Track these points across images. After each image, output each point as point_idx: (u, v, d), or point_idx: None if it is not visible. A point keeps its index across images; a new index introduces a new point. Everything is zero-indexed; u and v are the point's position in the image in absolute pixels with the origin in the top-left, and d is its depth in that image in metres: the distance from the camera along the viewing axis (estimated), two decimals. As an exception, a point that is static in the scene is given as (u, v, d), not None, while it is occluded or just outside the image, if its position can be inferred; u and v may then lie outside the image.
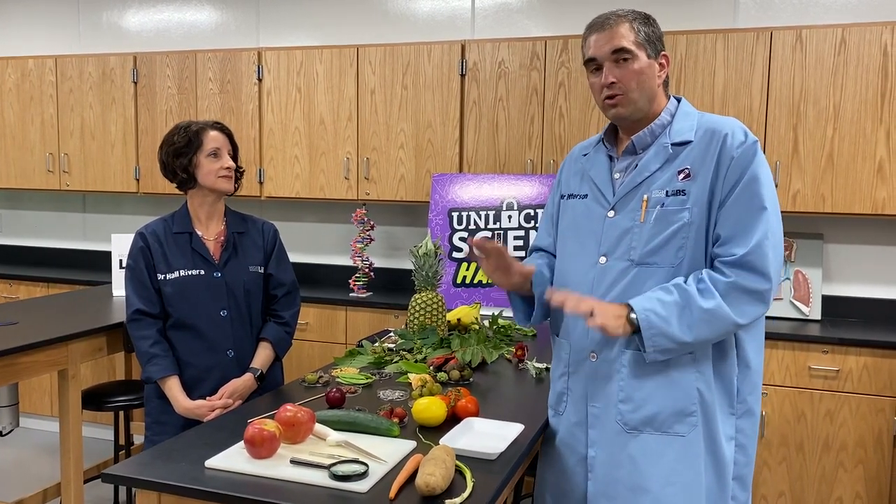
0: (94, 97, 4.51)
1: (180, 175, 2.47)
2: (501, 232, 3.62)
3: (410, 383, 2.24)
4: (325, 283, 4.46)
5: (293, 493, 1.50)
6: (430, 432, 1.85)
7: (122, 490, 3.51)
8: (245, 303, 2.50)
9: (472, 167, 3.88)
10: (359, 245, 4.08)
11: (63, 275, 4.58)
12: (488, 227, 3.63)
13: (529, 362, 2.44)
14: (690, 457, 1.75)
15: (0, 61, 4.70)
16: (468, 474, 1.57)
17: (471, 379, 2.34)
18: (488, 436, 1.81)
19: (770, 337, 3.25)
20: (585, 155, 1.96)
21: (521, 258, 3.55)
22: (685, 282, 1.70)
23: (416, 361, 2.48)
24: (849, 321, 3.59)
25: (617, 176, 1.85)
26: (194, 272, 2.45)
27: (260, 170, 4.21)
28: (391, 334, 2.92)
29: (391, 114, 3.97)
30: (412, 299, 2.79)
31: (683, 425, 1.75)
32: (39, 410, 4.61)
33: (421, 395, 2.07)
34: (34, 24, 5.01)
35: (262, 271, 2.56)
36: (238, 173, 2.59)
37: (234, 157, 2.55)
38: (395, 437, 1.80)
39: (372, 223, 4.10)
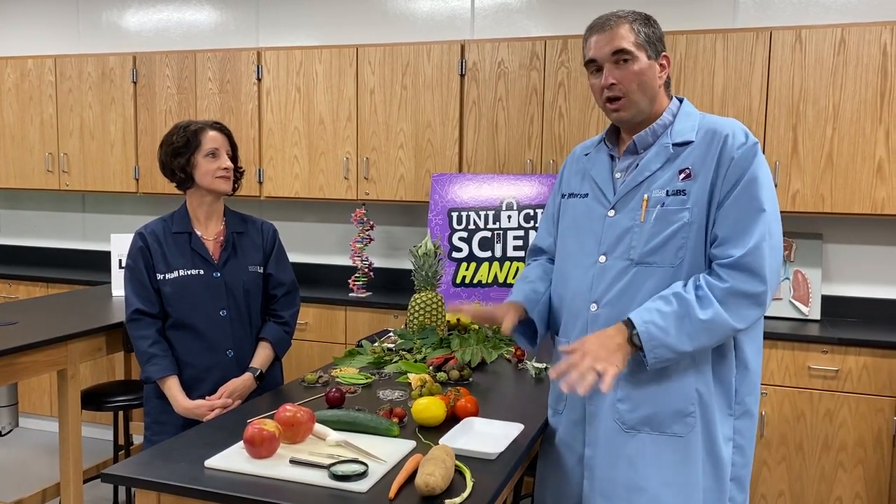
0: (93, 97, 4.51)
1: (178, 175, 2.47)
2: (501, 232, 3.62)
3: (410, 383, 2.24)
4: (325, 283, 4.46)
5: (293, 493, 1.50)
6: (430, 432, 1.85)
7: (122, 490, 3.51)
8: (244, 303, 2.50)
9: (471, 167, 3.88)
10: (358, 245, 4.08)
11: (62, 275, 4.57)
12: (488, 227, 3.63)
13: (529, 362, 2.44)
14: (688, 457, 1.75)
15: (-1, 61, 4.70)
16: (468, 474, 1.57)
17: (470, 379, 2.34)
18: (488, 436, 1.81)
19: (769, 337, 3.26)
20: (587, 155, 1.96)
21: (521, 258, 3.58)
22: (684, 288, 1.69)
23: (415, 361, 2.48)
24: (848, 321, 3.59)
25: (618, 175, 1.85)
26: (193, 272, 2.45)
27: (259, 170, 4.21)
28: (391, 334, 2.92)
29: (391, 114, 3.97)
30: (412, 299, 2.79)
31: (681, 426, 1.75)
32: (39, 410, 4.61)
33: (420, 395, 2.07)
34: (33, 24, 5.00)
35: (261, 271, 2.56)
36: (238, 174, 2.59)
37: (234, 158, 2.55)
38: (395, 436, 1.80)
39: (371, 223, 4.10)
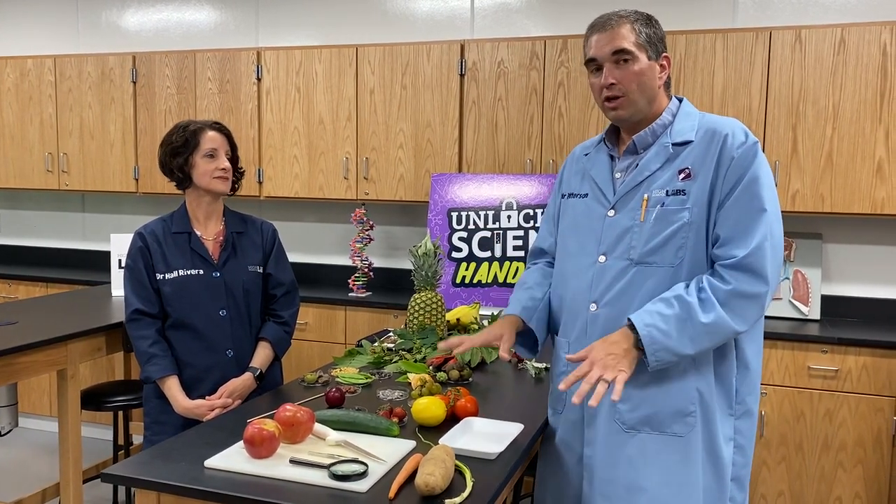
0: (93, 97, 4.50)
1: (177, 174, 2.48)
2: (501, 232, 3.62)
3: (410, 383, 2.24)
4: (325, 282, 4.46)
5: (293, 493, 1.50)
6: (430, 432, 1.85)
7: (122, 490, 3.51)
8: (244, 302, 2.50)
9: (471, 167, 3.88)
10: (358, 245, 4.08)
11: (62, 275, 4.57)
12: (487, 227, 3.63)
13: (529, 362, 2.44)
14: (688, 457, 1.75)
15: (-1, 61, 4.70)
16: (468, 474, 1.57)
17: (470, 379, 2.34)
18: (488, 435, 1.81)
19: (769, 337, 3.26)
20: (587, 155, 1.96)
21: (521, 258, 3.58)
22: (686, 290, 1.69)
23: (415, 361, 2.48)
24: (848, 321, 3.60)
25: (618, 175, 1.85)
26: (193, 272, 2.45)
27: (259, 170, 4.21)
28: (390, 334, 2.92)
29: (390, 114, 3.97)
30: (411, 299, 2.79)
31: (681, 425, 1.75)
32: (38, 410, 4.61)
33: (420, 395, 2.07)
34: (33, 24, 5.00)
35: (260, 271, 2.56)
36: (238, 174, 2.59)
37: (234, 158, 2.55)
38: (395, 436, 1.80)
39: (371, 223, 4.10)
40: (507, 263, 3.61)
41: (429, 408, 1.88)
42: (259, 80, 4.17)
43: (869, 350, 3.18)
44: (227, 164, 2.48)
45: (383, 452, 1.67)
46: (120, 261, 3.69)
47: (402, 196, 3.98)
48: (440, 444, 1.66)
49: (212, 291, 2.45)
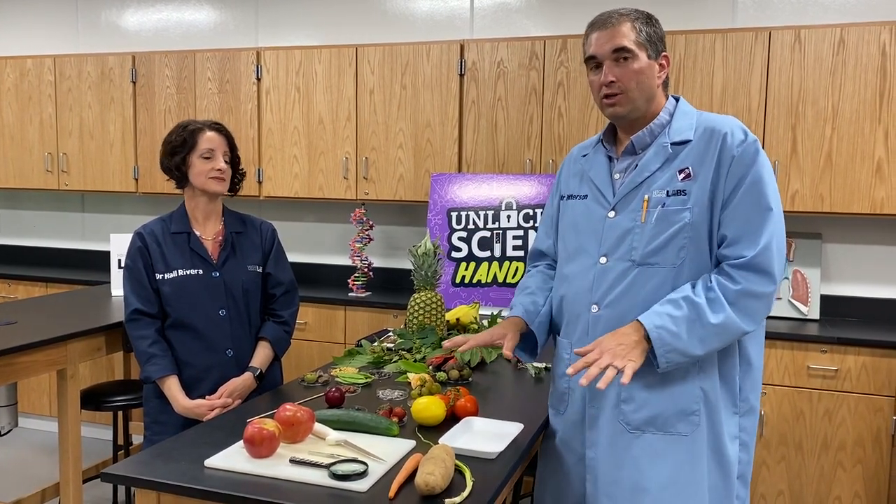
0: (92, 97, 4.50)
1: (175, 173, 2.49)
2: (500, 231, 3.62)
3: (410, 383, 2.24)
4: (324, 282, 4.46)
5: (293, 493, 1.50)
6: (430, 432, 1.85)
7: (122, 490, 3.51)
8: (244, 302, 2.50)
9: (471, 167, 3.88)
10: (358, 245, 4.08)
11: (62, 274, 4.57)
12: (487, 226, 3.63)
13: (529, 362, 2.44)
14: (693, 457, 1.75)
15: (-2, 61, 4.70)
16: (468, 473, 1.57)
17: (470, 378, 2.34)
18: (488, 435, 1.81)
19: (769, 336, 3.25)
20: (585, 156, 1.96)
21: (521, 258, 3.58)
22: (693, 290, 1.69)
23: (415, 361, 2.48)
24: (847, 321, 3.60)
25: (617, 176, 1.85)
26: (192, 272, 2.45)
27: (259, 169, 4.21)
28: (390, 334, 2.92)
29: (390, 113, 3.97)
30: (411, 299, 2.79)
31: (686, 425, 1.74)
32: (38, 410, 4.61)
33: (420, 395, 2.07)
34: (32, 24, 5.00)
35: (260, 271, 2.56)
36: (238, 175, 2.59)
37: (234, 159, 2.55)
38: (395, 436, 1.80)
39: (371, 223, 4.10)
40: (506, 263, 3.61)
41: (428, 407, 1.88)
42: (259, 79, 4.17)
43: (868, 350, 3.18)
44: (223, 165, 2.48)
45: (383, 452, 1.68)
46: (119, 261, 3.69)
47: (402, 196, 3.98)
48: (440, 443, 1.66)
49: (211, 291, 2.45)
